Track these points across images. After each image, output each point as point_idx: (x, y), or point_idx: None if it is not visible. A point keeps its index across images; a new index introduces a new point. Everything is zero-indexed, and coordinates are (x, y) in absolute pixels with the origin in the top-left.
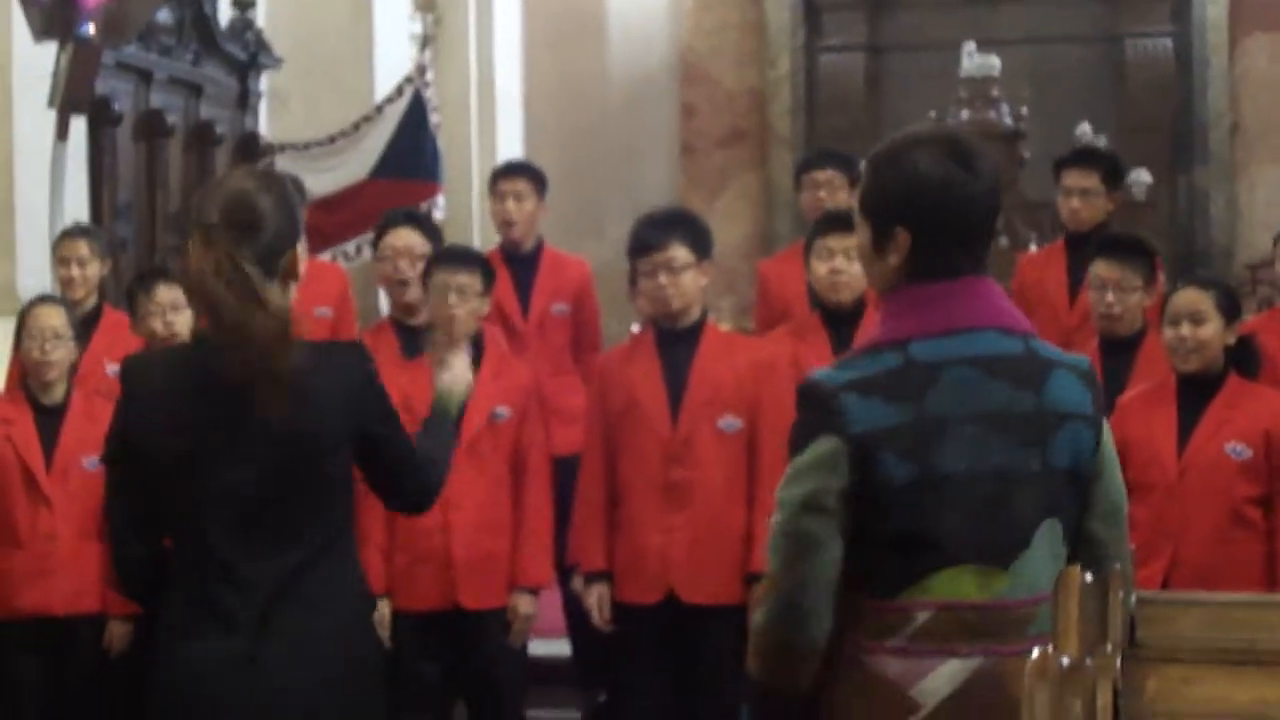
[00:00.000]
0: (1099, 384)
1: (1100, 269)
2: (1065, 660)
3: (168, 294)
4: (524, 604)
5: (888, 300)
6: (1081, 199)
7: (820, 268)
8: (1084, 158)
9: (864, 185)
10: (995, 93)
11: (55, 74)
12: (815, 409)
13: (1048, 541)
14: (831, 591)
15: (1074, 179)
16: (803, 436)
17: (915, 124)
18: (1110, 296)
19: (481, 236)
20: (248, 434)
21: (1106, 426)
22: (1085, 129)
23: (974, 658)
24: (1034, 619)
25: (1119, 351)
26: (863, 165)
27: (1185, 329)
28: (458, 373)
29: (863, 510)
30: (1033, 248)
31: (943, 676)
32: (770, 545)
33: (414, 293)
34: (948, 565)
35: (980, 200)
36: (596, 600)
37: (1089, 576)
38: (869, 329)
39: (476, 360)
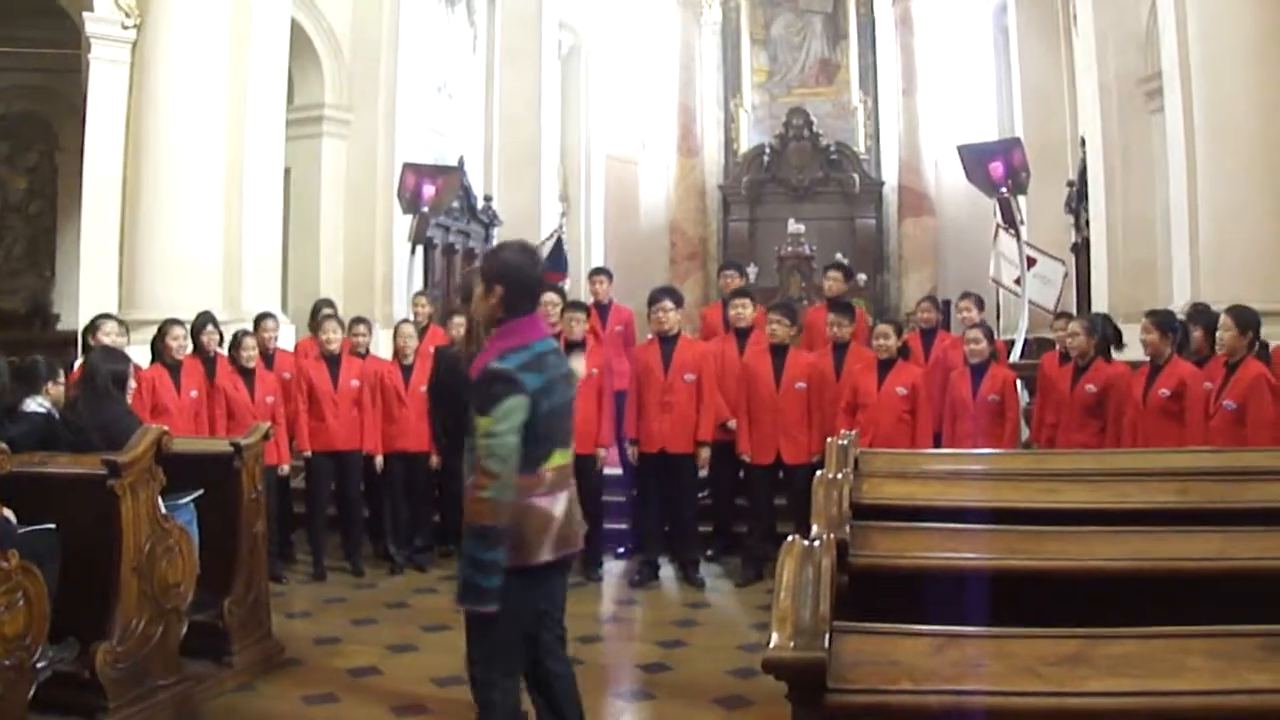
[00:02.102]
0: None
1: (832, 316)
2: (805, 542)
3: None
4: (601, 450)
5: (502, 328)
6: (833, 283)
7: (733, 313)
8: (833, 266)
9: (481, 265)
10: (802, 240)
11: (411, 228)
12: (508, 383)
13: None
14: (517, 473)
15: (830, 274)
16: (501, 396)
17: (511, 240)
18: (836, 328)
19: (584, 298)
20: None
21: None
22: (839, 256)
23: (566, 491)
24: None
25: (840, 349)
26: (480, 256)
27: (882, 341)
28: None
29: (528, 429)
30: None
31: (561, 501)
32: (493, 454)
33: (554, 320)
34: (555, 450)
35: (535, 277)
36: (633, 451)
37: (831, 476)
38: (500, 341)
39: (582, 348)
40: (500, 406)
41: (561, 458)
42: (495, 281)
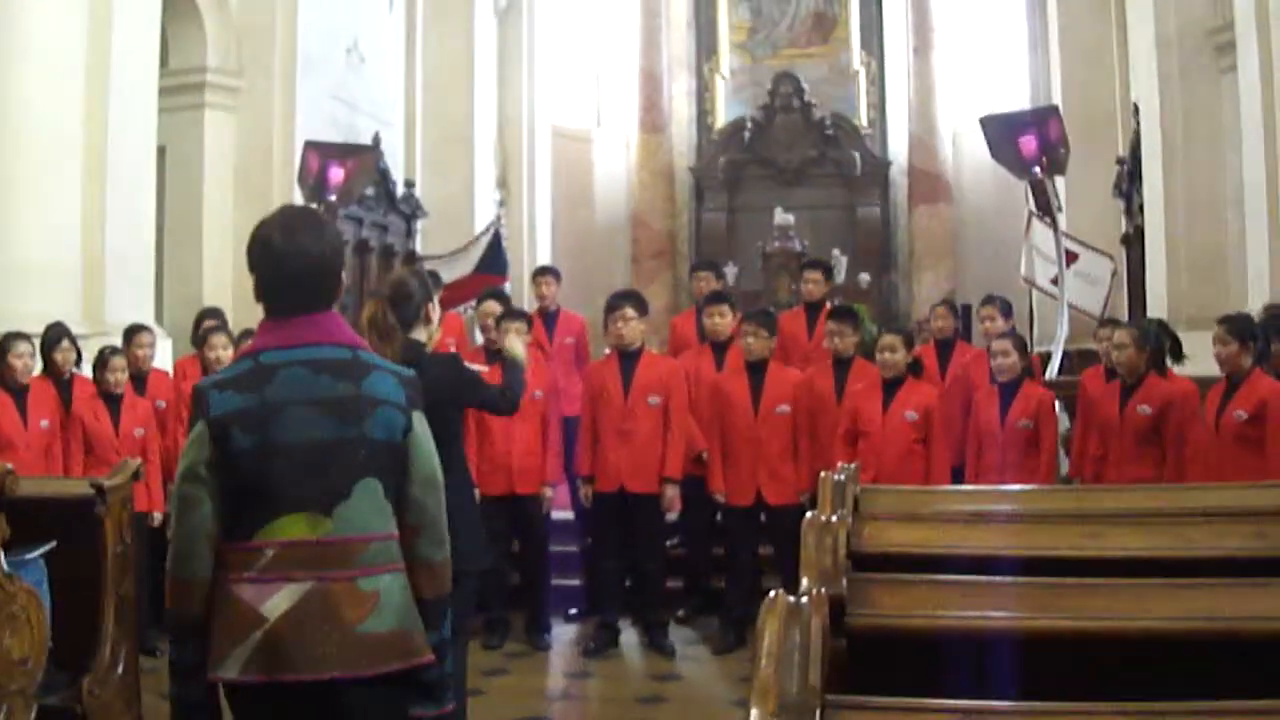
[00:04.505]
0: (419, 387)
1: (831, 324)
2: (791, 599)
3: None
4: (548, 490)
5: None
6: (813, 285)
7: (709, 322)
8: (811, 264)
9: None
10: (791, 233)
11: None
12: (195, 404)
13: (368, 494)
14: (208, 538)
15: (809, 275)
16: (190, 425)
17: (285, 208)
18: (836, 339)
19: (528, 305)
20: None
21: (419, 417)
22: (836, 252)
23: (307, 582)
24: (365, 553)
25: (842, 365)
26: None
27: (888, 355)
28: (519, 349)
29: (223, 474)
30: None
31: (282, 596)
32: (172, 506)
33: (494, 333)
34: (286, 513)
35: (293, 261)
36: (585, 490)
37: (825, 519)
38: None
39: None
40: (187, 440)
41: (300, 527)
42: (251, 269)
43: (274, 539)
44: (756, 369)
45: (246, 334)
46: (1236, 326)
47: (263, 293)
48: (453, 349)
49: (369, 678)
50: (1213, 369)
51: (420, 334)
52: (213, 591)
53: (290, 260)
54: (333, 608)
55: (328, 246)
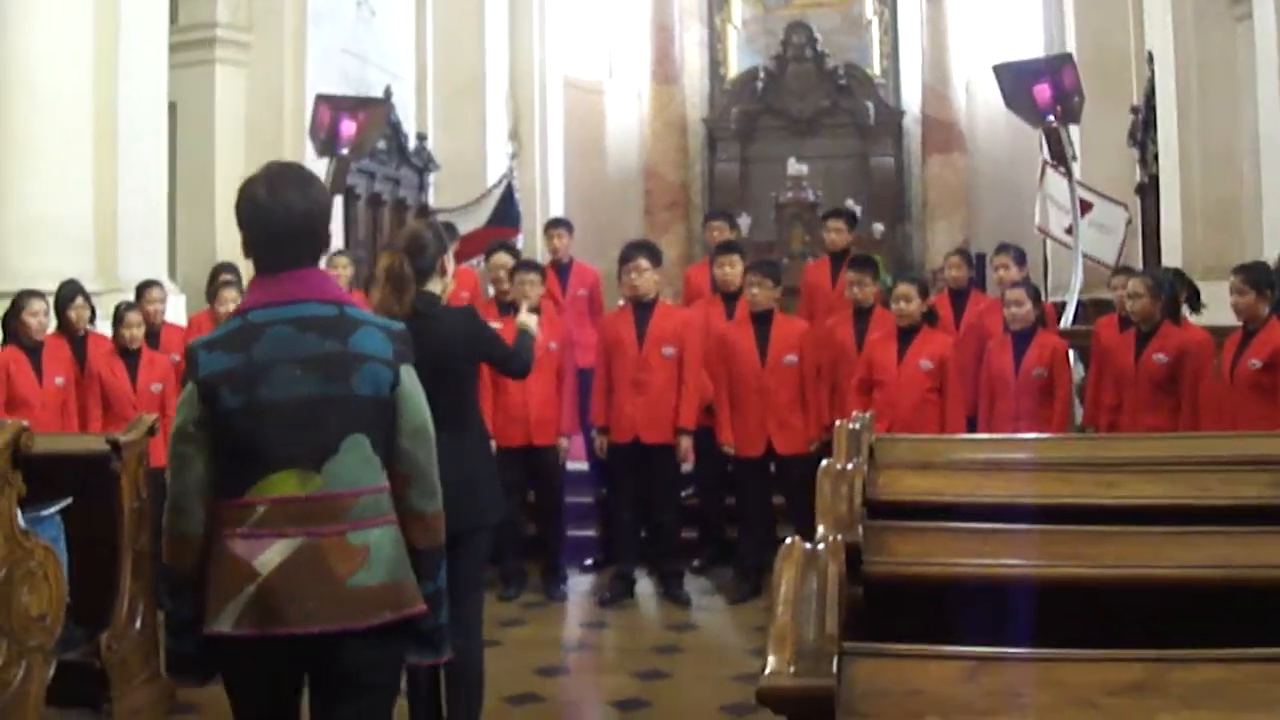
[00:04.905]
0: (408, 341)
1: (851, 274)
2: (808, 546)
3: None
4: (564, 441)
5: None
6: (836, 234)
7: (719, 272)
8: (834, 214)
9: None
10: (804, 184)
11: (328, 174)
12: (186, 363)
13: (357, 449)
14: (200, 495)
15: (831, 224)
16: (182, 384)
17: (270, 164)
18: (856, 288)
19: (541, 257)
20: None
21: (408, 370)
22: (850, 203)
23: (298, 537)
24: (354, 507)
25: (862, 315)
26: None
27: (903, 304)
28: (529, 318)
29: (215, 432)
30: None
31: (274, 551)
32: (168, 464)
33: (505, 285)
34: (276, 470)
35: (277, 218)
36: (601, 441)
37: (840, 467)
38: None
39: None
40: (180, 398)
41: (291, 484)
42: (240, 225)
43: (265, 495)
44: (762, 319)
45: None
46: (1253, 275)
47: (250, 249)
48: (466, 301)
49: (362, 630)
50: (1228, 319)
51: (435, 285)
52: (208, 547)
53: (276, 216)
54: (323, 562)
55: (313, 203)
